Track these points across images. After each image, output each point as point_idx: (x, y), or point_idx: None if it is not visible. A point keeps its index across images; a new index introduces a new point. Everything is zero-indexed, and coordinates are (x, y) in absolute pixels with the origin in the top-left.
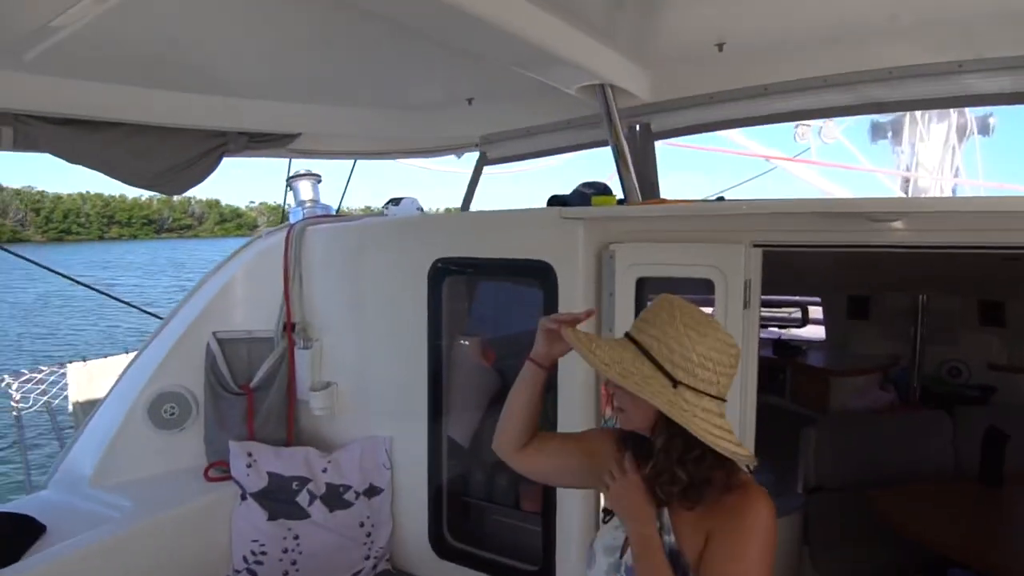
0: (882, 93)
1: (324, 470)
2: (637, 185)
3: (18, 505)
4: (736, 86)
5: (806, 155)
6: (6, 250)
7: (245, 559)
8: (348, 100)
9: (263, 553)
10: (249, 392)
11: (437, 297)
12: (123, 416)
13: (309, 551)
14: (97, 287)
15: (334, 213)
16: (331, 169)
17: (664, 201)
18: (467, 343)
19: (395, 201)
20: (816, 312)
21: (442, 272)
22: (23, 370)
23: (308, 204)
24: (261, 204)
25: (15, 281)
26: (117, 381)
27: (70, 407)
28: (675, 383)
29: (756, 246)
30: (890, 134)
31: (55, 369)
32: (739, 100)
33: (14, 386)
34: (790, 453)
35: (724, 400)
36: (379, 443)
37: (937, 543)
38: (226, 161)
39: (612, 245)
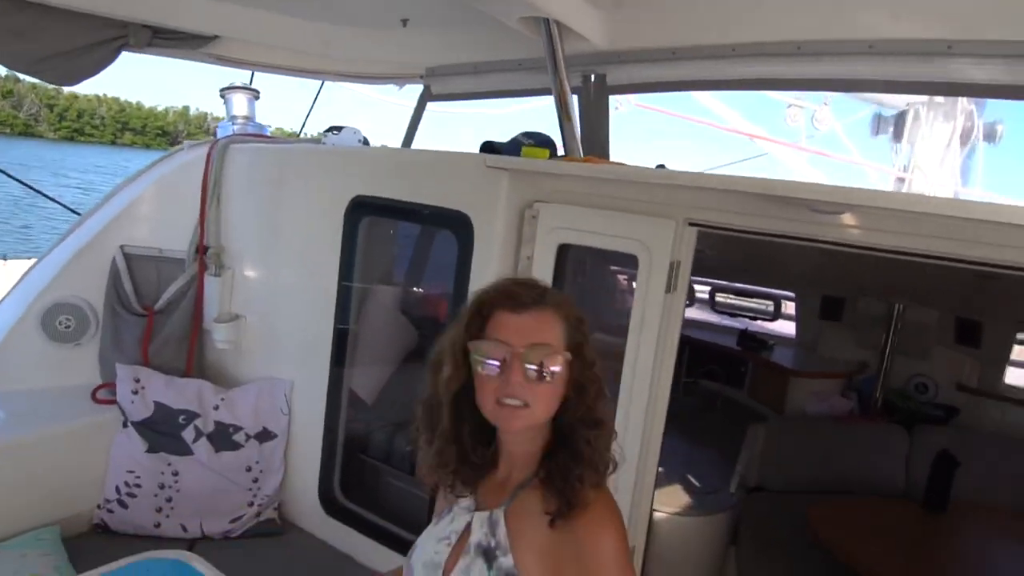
0: (860, 69)
1: (216, 407)
2: (580, 141)
3: None
4: (700, 42)
5: (797, 141)
6: None
7: (118, 489)
8: (273, 4)
9: (137, 486)
10: (151, 314)
11: (352, 237)
12: (14, 322)
13: (187, 490)
14: (29, 183)
15: (267, 134)
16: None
17: (594, 160)
18: (384, 291)
19: (335, 129)
20: (790, 308)
21: (359, 211)
22: None
23: (240, 120)
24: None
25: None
26: (15, 285)
27: None
28: None
29: (691, 224)
30: (891, 130)
31: None
32: (703, 59)
33: None
34: (738, 448)
35: None
36: (279, 386)
37: (865, 564)
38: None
39: (536, 204)
